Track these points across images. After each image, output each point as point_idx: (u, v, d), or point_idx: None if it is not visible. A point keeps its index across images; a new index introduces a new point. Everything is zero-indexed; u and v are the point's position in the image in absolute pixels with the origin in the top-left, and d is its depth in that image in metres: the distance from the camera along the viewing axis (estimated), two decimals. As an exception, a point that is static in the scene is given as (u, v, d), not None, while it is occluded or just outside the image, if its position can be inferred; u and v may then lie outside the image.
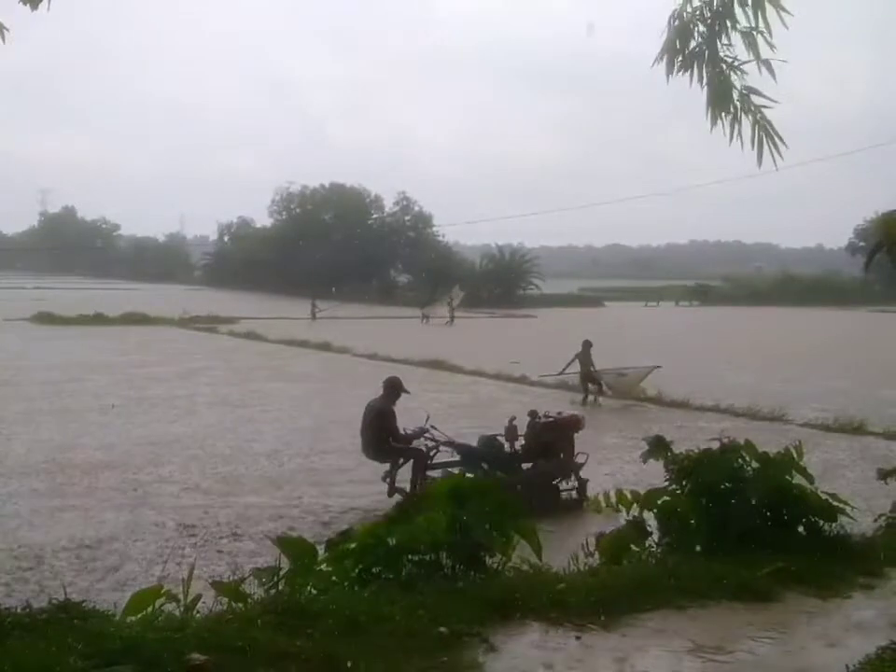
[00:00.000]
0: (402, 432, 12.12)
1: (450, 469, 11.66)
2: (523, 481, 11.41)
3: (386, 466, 12.08)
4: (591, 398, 21.86)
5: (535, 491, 10.98)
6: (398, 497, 11.29)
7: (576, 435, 12.21)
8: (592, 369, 22.22)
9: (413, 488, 11.44)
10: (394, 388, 12.38)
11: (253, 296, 74.97)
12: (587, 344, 22.35)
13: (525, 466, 11.96)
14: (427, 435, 12.16)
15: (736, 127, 4.53)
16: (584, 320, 52.65)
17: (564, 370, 22.58)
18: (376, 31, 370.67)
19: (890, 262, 6.91)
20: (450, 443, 12.15)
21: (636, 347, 33.00)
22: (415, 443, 12.10)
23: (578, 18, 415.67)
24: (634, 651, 5.95)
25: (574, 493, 11.88)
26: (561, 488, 11.87)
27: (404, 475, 12.00)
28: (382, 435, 11.93)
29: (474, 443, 12.22)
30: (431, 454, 12.06)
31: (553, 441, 11.97)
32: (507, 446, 12.02)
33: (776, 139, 4.54)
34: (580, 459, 11.98)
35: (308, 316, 52.13)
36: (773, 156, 4.54)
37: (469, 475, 11.01)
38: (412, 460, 11.90)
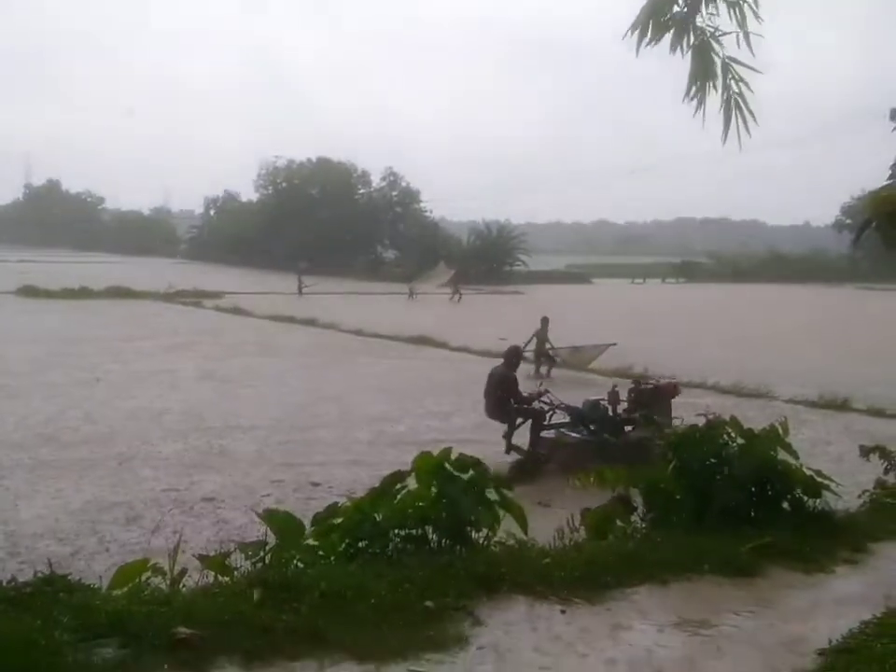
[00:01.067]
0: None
1: (561, 430, 12.79)
2: (625, 442, 12.22)
3: (505, 426, 13.05)
4: (543, 370, 22.74)
5: (637, 451, 11.51)
6: (514, 455, 12.64)
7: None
8: (548, 345, 23.15)
9: (531, 445, 12.69)
10: (513, 356, 13.74)
11: (239, 270, 74.64)
12: (545, 321, 23.33)
13: (627, 428, 12.80)
14: (542, 399, 13.18)
15: (706, 102, 4.49)
16: (572, 297, 52.77)
17: (525, 346, 23.02)
18: (364, 4, 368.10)
19: (880, 239, 6.91)
20: (562, 406, 13.16)
21: (621, 324, 33.07)
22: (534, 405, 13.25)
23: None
24: (619, 625, 5.98)
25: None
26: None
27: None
28: (505, 397, 13.11)
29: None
30: (547, 415, 13.09)
31: (652, 405, 12.75)
32: (610, 410, 12.86)
33: (745, 114, 4.49)
34: (676, 422, 12.34)
35: (294, 292, 51.94)
36: (738, 131, 4.50)
37: (575, 435, 12.43)
38: (529, 420, 12.98)
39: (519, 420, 13.08)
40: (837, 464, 11.71)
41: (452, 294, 52.84)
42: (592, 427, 12.64)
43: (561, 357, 23.22)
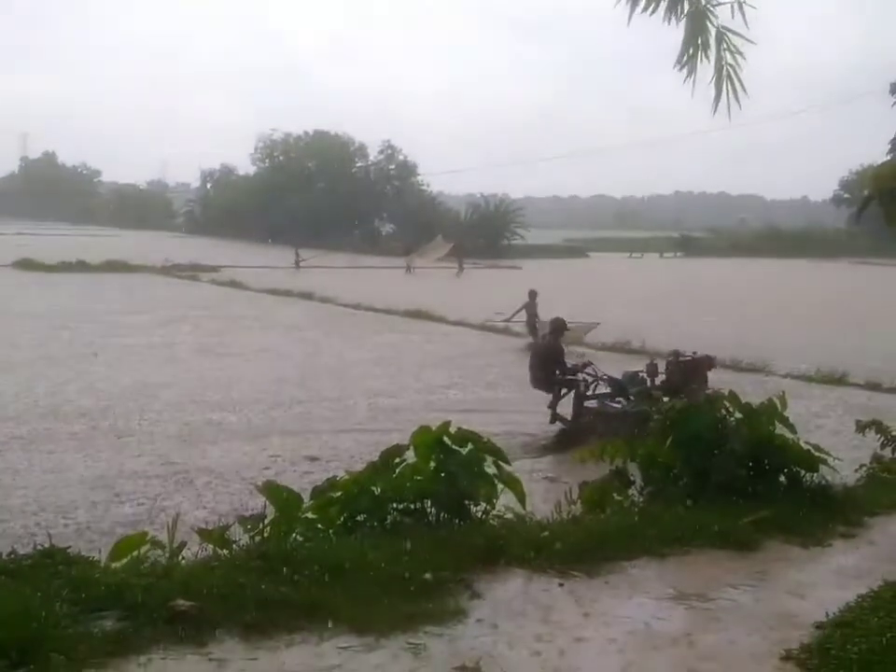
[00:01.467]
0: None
1: (604, 401, 13.35)
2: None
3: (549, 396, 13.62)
4: (528, 340, 22.80)
5: None
6: (559, 424, 13.23)
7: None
8: (535, 319, 23.19)
9: (574, 416, 13.25)
10: (558, 328, 14.33)
11: (235, 244, 74.32)
12: (533, 294, 23.50)
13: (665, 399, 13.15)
14: (586, 370, 13.69)
15: (696, 73, 4.43)
16: (569, 271, 52.67)
17: (511, 317, 23.98)
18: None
19: (882, 215, 6.87)
20: (604, 378, 13.73)
21: (618, 298, 33.04)
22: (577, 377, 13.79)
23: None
24: (616, 598, 6.00)
25: None
26: None
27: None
28: (551, 368, 13.73)
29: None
30: (590, 386, 13.61)
31: (689, 378, 13.13)
32: (648, 381, 13.46)
33: (736, 86, 4.43)
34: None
35: (291, 265, 51.82)
36: (728, 103, 4.45)
37: (615, 405, 12.91)
38: (572, 391, 13.57)
39: (563, 391, 13.55)
40: (835, 438, 11.74)
41: (458, 268, 52.62)
42: (631, 398, 13.03)
43: (545, 333, 23.41)
